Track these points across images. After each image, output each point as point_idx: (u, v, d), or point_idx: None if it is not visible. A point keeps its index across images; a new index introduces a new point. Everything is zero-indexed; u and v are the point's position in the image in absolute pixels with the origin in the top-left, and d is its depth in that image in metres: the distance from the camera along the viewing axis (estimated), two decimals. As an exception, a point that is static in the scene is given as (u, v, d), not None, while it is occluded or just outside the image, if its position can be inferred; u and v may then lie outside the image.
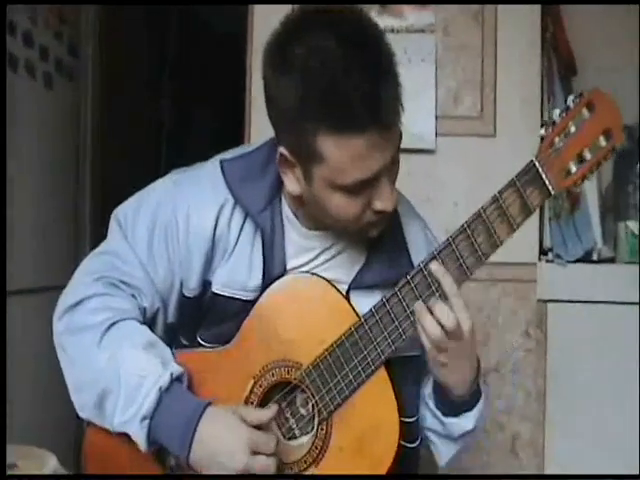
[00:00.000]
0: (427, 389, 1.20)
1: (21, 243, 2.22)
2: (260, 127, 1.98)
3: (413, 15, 2.03)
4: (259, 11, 2.05)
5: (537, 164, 1.05)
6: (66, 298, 1.14)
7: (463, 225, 1.07)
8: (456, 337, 1.04)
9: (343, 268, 1.17)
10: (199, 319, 1.17)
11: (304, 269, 1.15)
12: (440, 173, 2.03)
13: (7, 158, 2.02)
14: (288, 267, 1.15)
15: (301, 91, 0.97)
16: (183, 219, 1.13)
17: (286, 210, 1.16)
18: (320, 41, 0.96)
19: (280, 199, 1.16)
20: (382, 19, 1.96)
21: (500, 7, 2.03)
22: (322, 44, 0.96)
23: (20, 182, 2.22)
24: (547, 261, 2.02)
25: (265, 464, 1.04)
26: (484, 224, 1.06)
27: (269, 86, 1.04)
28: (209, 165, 1.18)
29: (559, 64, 2.11)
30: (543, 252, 2.04)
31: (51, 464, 0.76)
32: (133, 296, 1.14)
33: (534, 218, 1.98)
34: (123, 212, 1.18)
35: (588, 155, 1.06)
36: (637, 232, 2.03)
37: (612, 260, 2.07)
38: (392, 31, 1.99)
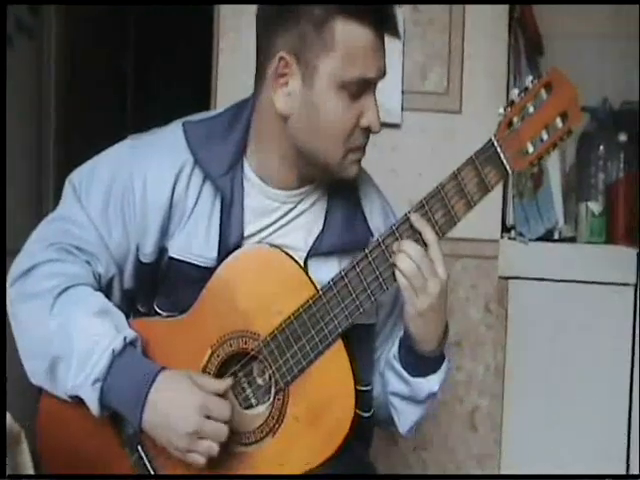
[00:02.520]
0: (392, 351, 1.19)
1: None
2: (226, 94, 1.97)
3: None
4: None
5: (495, 143, 1.05)
6: (18, 265, 1.12)
7: (421, 201, 1.07)
8: (430, 276, 1.05)
9: (300, 234, 1.17)
10: (156, 286, 1.16)
11: (262, 235, 1.15)
12: (405, 146, 2.04)
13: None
14: (245, 233, 1.14)
15: None
16: (140, 184, 1.12)
17: (249, 174, 1.15)
18: None
19: (242, 164, 1.15)
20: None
21: (469, -16, 2.03)
22: None
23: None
24: (509, 238, 2.05)
25: (217, 428, 1.03)
26: (442, 201, 1.07)
27: None
28: (168, 129, 1.18)
29: (526, 43, 2.12)
30: (506, 229, 2.06)
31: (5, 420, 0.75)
32: (87, 262, 1.13)
33: (497, 196, 2.02)
34: (78, 177, 1.17)
35: (545, 136, 1.07)
36: (597, 212, 2.06)
37: (573, 239, 2.10)
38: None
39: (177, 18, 3.70)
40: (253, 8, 1.16)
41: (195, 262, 1.12)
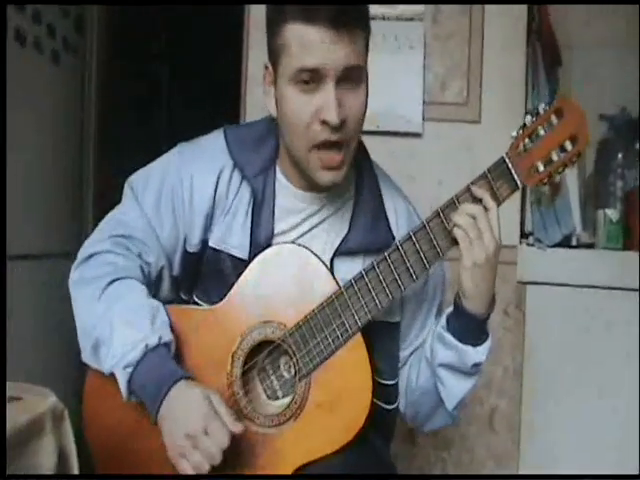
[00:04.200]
0: (440, 324, 1.25)
1: (26, 211, 2.29)
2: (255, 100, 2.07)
3: (403, 4, 2.08)
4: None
5: (507, 160, 1.16)
6: (82, 251, 1.26)
7: (437, 210, 1.17)
8: (487, 231, 1.14)
9: (327, 235, 1.26)
10: (197, 276, 1.27)
11: (292, 233, 1.25)
12: (426, 155, 2.10)
13: (13, 130, 2.08)
14: (276, 230, 1.24)
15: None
16: (187, 182, 1.25)
17: (279, 176, 1.26)
18: None
19: (274, 169, 1.26)
20: (373, 6, 2.01)
21: (488, -2, 2.09)
22: None
23: (26, 152, 2.29)
24: (527, 244, 2.08)
25: (211, 447, 1.06)
26: (456, 210, 1.16)
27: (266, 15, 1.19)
28: (211, 136, 1.30)
29: (544, 54, 2.17)
30: (524, 236, 2.10)
31: (50, 399, 0.82)
32: (139, 255, 1.25)
33: (516, 202, 2.06)
34: (135, 179, 1.30)
35: (555, 157, 1.17)
36: (614, 219, 2.09)
37: (591, 246, 2.11)
38: (383, 18, 2.06)
39: (209, 30, 3.82)
40: None
41: (230, 252, 1.24)
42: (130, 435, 1.18)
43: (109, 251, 1.23)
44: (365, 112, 1.18)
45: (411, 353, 1.34)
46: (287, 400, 1.21)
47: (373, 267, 1.17)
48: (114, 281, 1.19)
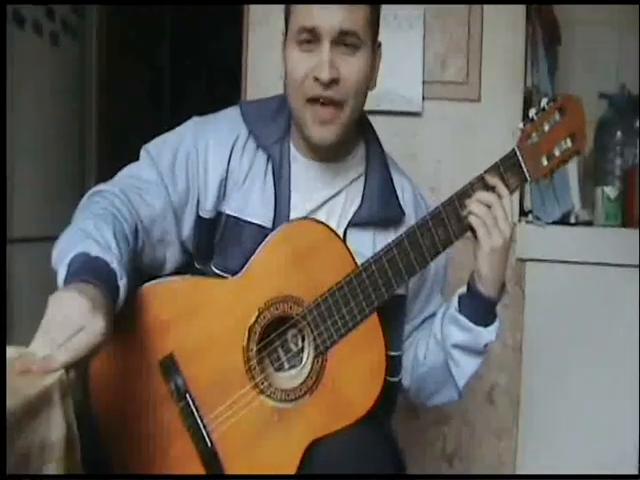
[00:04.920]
0: (453, 306, 1.30)
1: (26, 194, 2.33)
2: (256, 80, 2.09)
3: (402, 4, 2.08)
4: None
5: (518, 153, 1.22)
6: (91, 190, 1.25)
7: (452, 197, 1.23)
8: (502, 218, 1.21)
9: (342, 208, 1.32)
10: (212, 246, 1.30)
11: (307, 206, 1.30)
12: (426, 133, 2.11)
13: (13, 112, 2.11)
14: (293, 201, 1.29)
15: None
16: (202, 149, 1.29)
17: (292, 150, 1.31)
18: None
19: (288, 141, 1.31)
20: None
21: (487, -24, 2.09)
22: None
23: (27, 135, 2.32)
24: (527, 222, 2.10)
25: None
26: (470, 197, 1.23)
27: None
28: (227, 110, 1.37)
29: (544, 32, 2.18)
30: (523, 213, 2.12)
31: (57, 372, 0.84)
32: (142, 202, 1.24)
33: None
34: (151, 144, 1.34)
35: (557, 152, 1.24)
36: (612, 197, 2.11)
37: (590, 223, 2.14)
38: (382, -2, 2.05)
39: (210, 17, 3.84)
40: (280, 7, 1.32)
41: (250, 219, 1.27)
42: (146, 409, 1.17)
43: (115, 195, 1.21)
44: (365, 79, 1.25)
45: (415, 328, 1.39)
46: (294, 372, 1.24)
47: (390, 248, 1.22)
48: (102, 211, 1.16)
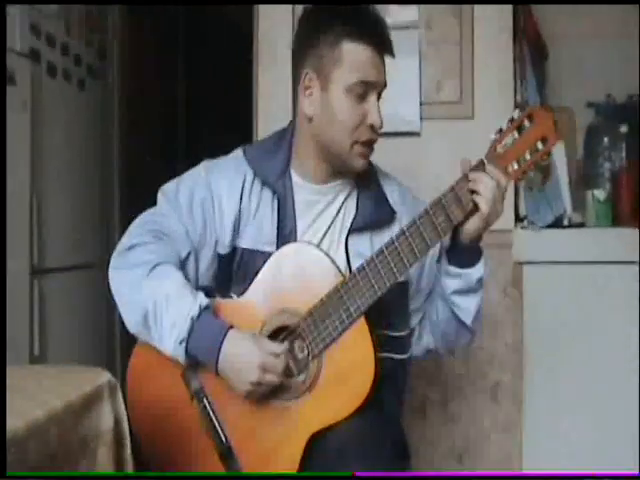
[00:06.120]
0: (443, 265, 1.46)
1: (56, 227, 2.52)
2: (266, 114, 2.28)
3: (398, 13, 2.25)
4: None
5: (485, 162, 1.35)
6: (122, 243, 1.44)
7: (427, 207, 1.36)
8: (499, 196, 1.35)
9: (342, 220, 1.49)
10: (231, 276, 1.48)
11: (314, 225, 1.47)
12: (424, 151, 2.26)
13: (42, 154, 2.30)
14: (298, 223, 1.46)
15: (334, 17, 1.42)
16: (217, 195, 1.46)
17: (295, 178, 1.49)
18: None
19: (290, 172, 1.48)
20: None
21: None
22: None
23: (55, 172, 2.51)
24: (522, 227, 2.22)
25: (272, 380, 1.33)
26: (447, 206, 1.37)
27: (307, 27, 1.46)
28: (232, 154, 1.54)
29: (531, 51, 2.31)
30: (518, 219, 2.24)
31: (106, 374, 1.03)
32: (175, 250, 1.43)
33: (510, 189, 2.18)
34: (168, 187, 1.51)
35: (528, 156, 1.35)
36: (602, 199, 2.22)
37: (582, 225, 2.25)
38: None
39: (222, 56, 4.04)
40: (287, 42, 1.52)
41: (262, 249, 1.44)
42: (172, 409, 1.41)
43: (150, 242, 1.40)
44: None
45: (425, 300, 1.56)
46: (303, 377, 1.40)
47: (372, 259, 1.36)
48: (158, 265, 1.37)
